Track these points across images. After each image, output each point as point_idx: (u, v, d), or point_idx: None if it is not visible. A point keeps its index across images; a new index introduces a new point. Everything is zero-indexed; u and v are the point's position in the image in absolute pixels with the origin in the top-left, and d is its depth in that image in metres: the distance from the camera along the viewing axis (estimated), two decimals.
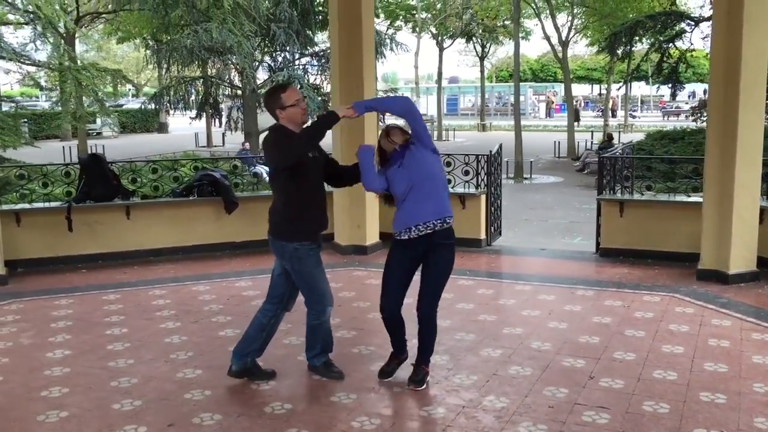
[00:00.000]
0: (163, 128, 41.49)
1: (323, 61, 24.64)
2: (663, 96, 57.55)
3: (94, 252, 8.03)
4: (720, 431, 3.88)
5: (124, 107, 43.23)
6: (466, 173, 8.65)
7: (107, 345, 5.41)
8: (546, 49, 48.68)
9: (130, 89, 54.43)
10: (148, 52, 28.02)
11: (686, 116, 44.80)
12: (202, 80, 24.72)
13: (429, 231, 4.36)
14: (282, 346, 5.33)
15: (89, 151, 26.43)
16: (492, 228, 8.80)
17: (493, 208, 8.81)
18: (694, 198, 7.76)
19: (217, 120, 32.99)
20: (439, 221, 4.36)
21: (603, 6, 25.87)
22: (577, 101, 43.58)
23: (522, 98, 53.35)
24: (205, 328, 5.79)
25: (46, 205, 8.02)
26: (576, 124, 30.40)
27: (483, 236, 8.57)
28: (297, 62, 24.58)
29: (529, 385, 4.53)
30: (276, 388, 4.57)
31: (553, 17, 25.72)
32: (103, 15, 26.99)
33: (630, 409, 4.18)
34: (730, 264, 6.78)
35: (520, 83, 23.92)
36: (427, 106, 48.41)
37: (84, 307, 6.41)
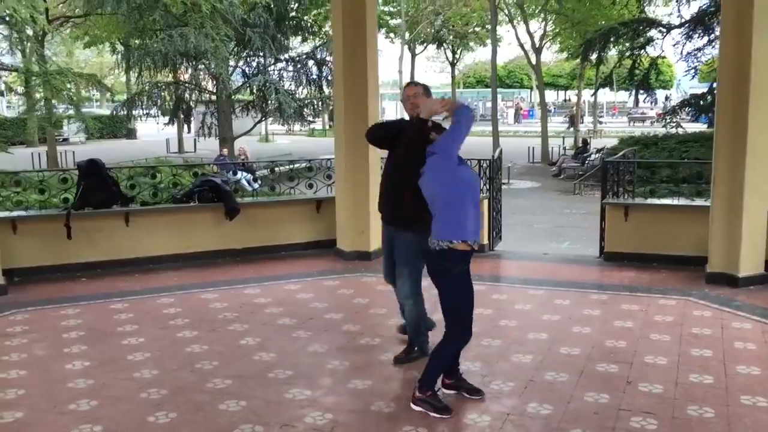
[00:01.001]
0: (131, 134, 40.85)
1: (298, 66, 24.53)
2: (615, 103, 58.55)
3: (93, 260, 7.80)
4: None
5: (91, 113, 42.45)
6: None
7: (127, 355, 5.24)
8: (512, 56, 49.31)
9: (94, 95, 53.53)
10: (117, 56, 27.58)
11: (651, 122, 45.67)
12: (175, 85, 24.41)
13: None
14: (308, 354, 5.22)
15: (58, 157, 25.96)
16: (494, 233, 8.80)
17: (494, 213, 8.81)
18: (699, 202, 7.84)
19: (187, 126, 32.65)
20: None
21: (575, 13, 26.20)
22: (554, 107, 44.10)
23: (490, 104, 54.04)
24: (225, 337, 5.65)
25: (43, 212, 7.79)
26: (571, 129, 30.65)
27: (486, 241, 8.55)
28: (272, 68, 24.41)
29: (569, 391, 4.50)
30: (312, 397, 4.47)
31: (527, 24, 25.95)
32: (72, 19, 26.51)
33: (675, 414, 4.17)
34: (740, 267, 6.85)
35: (488, 89, 24.18)
36: (396, 112, 48.41)
37: (93, 317, 6.22)
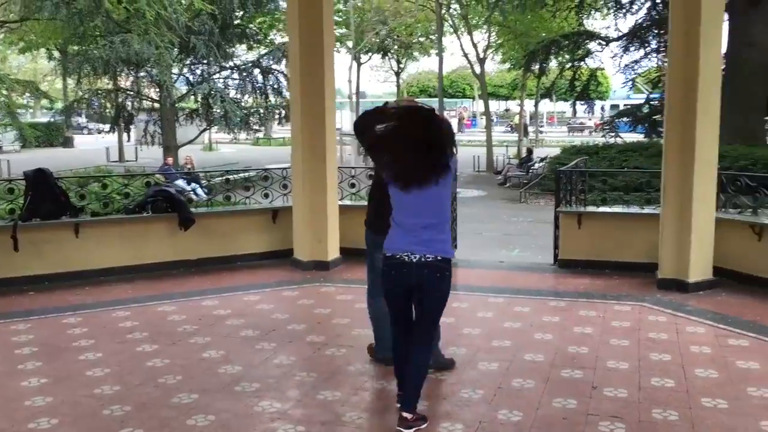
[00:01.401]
0: (68, 143, 39.76)
1: (244, 74, 24.31)
2: (554, 113, 59.93)
3: (40, 273, 7.54)
4: None
5: (24, 120, 41.14)
6: None
7: (85, 371, 5.08)
8: (455, 66, 49.86)
9: (27, 101, 51.92)
10: (53, 62, 26.84)
11: (590, 132, 46.80)
12: (115, 93, 23.89)
13: None
14: (275, 366, 5.17)
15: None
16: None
17: (452, 222, 8.87)
18: (648, 210, 8.06)
19: (127, 134, 31.98)
20: None
21: (518, 24, 26.73)
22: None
23: None
24: (187, 350, 5.53)
25: None
26: (525, 138, 31.09)
27: None
28: (217, 76, 24.14)
29: (537, 398, 4.56)
30: (282, 409, 4.41)
31: (471, 35, 26.32)
32: (7, 24, 25.68)
33: (642, 417, 4.26)
34: (690, 273, 7.07)
35: (432, 99, 24.43)
36: (341, 120, 48.41)
37: (45, 332, 6.02)
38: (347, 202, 8.97)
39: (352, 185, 9.01)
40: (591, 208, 8.34)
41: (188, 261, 8.23)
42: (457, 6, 26.01)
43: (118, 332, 6.00)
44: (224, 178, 10.28)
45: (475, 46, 26.25)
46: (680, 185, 7.06)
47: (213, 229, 8.43)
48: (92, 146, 35.15)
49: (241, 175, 10.30)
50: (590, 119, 46.60)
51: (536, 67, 23.51)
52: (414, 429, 4.03)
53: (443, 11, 23.35)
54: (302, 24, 7.88)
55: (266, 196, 8.90)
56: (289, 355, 5.40)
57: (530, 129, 41.41)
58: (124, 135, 31.34)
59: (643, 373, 4.97)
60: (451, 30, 28.26)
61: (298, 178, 8.12)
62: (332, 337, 5.84)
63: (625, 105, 41.63)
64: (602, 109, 50.63)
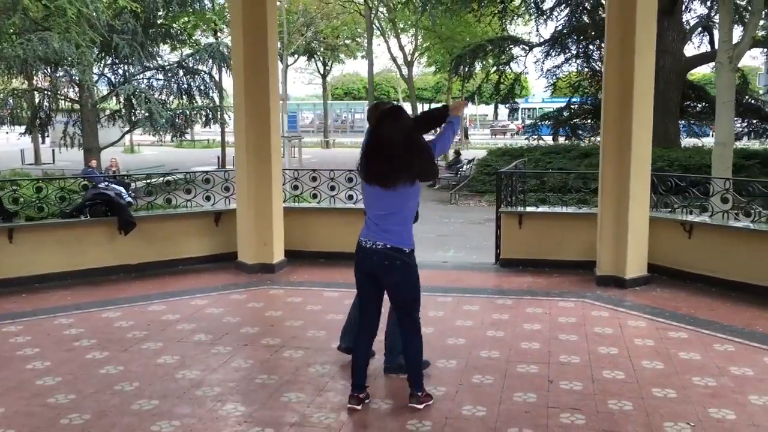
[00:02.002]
0: None
1: (169, 75, 23.82)
2: (475, 116, 61.12)
3: None
4: (687, 423, 4.23)
5: None
6: None
7: (35, 380, 4.91)
8: (379, 69, 50.20)
9: None
10: None
11: (512, 135, 47.95)
12: (32, 93, 23.00)
13: None
14: (234, 370, 5.12)
15: None
16: None
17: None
18: (585, 209, 8.36)
19: (43, 136, 30.75)
20: None
21: (443, 29, 27.15)
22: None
23: (359, 116, 54.59)
24: (140, 356, 5.41)
25: None
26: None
27: None
28: (141, 76, 23.55)
29: (498, 393, 4.68)
30: (247, 412, 4.39)
31: (398, 38, 26.57)
32: None
33: (599, 408, 4.44)
34: (627, 270, 7.38)
35: (357, 101, 24.56)
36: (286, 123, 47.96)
37: None
38: (291, 204, 8.93)
39: (295, 187, 8.98)
40: (531, 209, 8.57)
41: (129, 266, 8.04)
42: (384, 10, 26.20)
43: (64, 340, 5.81)
44: (146, 182, 10.00)
45: (402, 49, 26.51)
46: (617, 186, 7.36)
47: (154, 233, 8.25)
48: (3, 148, 33.66)
49: (168, 177, 10.06)
50: (513, 122, 47.74)
51: (463, 70, 23.96)
52: (424, 404, 4.40)
53: (372, 14, 23.48)
54: (246, 23, 7.81)
55: (208, 198, 8.77)
56: (246, 359, 5.36)
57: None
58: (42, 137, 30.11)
59: (594, 366, 5.17)
60: (378, 33, 28.45)
61: (243, 180, 8.04)
62: (288, 339, 5.82)
63: (540, 108, 42.96)
64: (518, 111, 51.91)
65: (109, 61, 23.20)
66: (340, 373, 5.02)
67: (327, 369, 5.14)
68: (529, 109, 55.67)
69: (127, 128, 24.05)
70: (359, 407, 4.40)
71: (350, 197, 8.83)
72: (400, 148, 4.15)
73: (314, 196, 8.96)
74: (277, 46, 8.31)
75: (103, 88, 23.60)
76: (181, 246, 8.37)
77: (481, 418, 4.30)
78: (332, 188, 8.78)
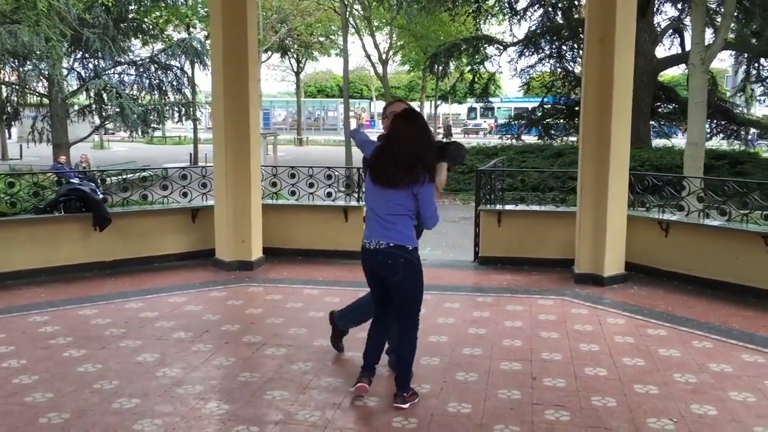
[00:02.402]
0: None
1: (141, 70, 23.51)
2: (449, 115, 61.28)
3: None
4: (670, 419, 4.27)
5: None
6: (347, 186, 8.74)
7: (11, 378, 4.80)
8: (353, 67, 50.07)
9: None
10: None
11: (484, 134, 48.14)
12: (0, 87, 22.54)
13: None
14: (215, 368, 5.05)
15: None
16: None
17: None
18: (563, 208, 8.41)
19: (10, 131, 30.23)
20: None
21: (418, 27, 27.17)
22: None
23: (332, 114, 54.47)
24: (118, 354, 5.32)
25: None
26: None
27: None
28: (112, 71, 23.21)
29: (482, 390, 4.68)
30: (231, 410, 4.34)
31: (373, 36, 26.55)
32: None
33: (583, 405, 4.46)
34: (605, 268, 7.43)
35: (330, 99, 24.54)
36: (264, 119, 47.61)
37: None
38: (269, 201, 8.86)
39: (274, 184, 8.90)
40: (510, 207, 8.60)
41: (104, 263, 7.90)
42: (359, 7, 26.17)
43: (39, 338, 5.69)
44: (122, 177, 9.83)
45: (377, 47, 26.49)
46: (596, 184, 7.41)
47: (130, 230, 8.13)
48: None
49: (144, 174, 9.91)
50: (485, 121, 47.94)
51: (438, 69, 24.02)
52: (408, 403, 4.38)
53: (347, 12, 23.42)
54: (226, 18, 7.72)
55: (185, 195, 8.66)
56: (228, 356, 5.30)
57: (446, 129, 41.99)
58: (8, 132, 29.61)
59: (576, 363, 5.20)
60: (353, 31, 28.40)
61: (221, 176, 7.95)
62: (269, 336, 5.77)
63: (515, 108, 43.21)
64: (493, 110, 52.12)
65: (79, 56, 22.83)
66: (323, 371, 5.00)
67: (310, 366, 5.10)
68: (501, 109, 56.04)
69: (97, 124, 23.68)
70: (368, 385, 4.50)
71: (329, 194, 8.80)
72: (410, 150, 4.16)
73: (293, 193, 8.89)
74: (257, 41, 8.21)
75: (73, 83, 23.22)
76: (158, 243, 8.26)
77: (466, 415, 4.30)
78: (311, 185, 8.73)
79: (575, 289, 7.31)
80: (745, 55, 22.21)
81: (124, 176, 8.98)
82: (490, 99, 26.64)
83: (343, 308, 5.33)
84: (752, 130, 24.16)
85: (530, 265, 8.20)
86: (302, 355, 5.32)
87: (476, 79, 25.29)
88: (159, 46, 25.29)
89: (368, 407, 4.41)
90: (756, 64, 22.58)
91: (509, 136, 25.78)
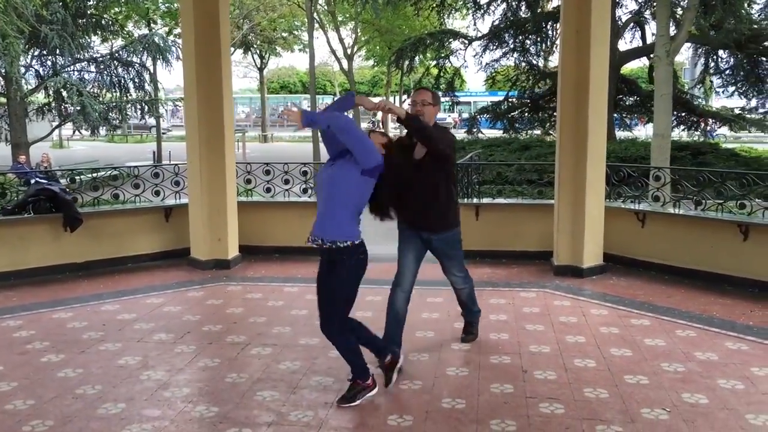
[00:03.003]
0: None
1: (102, 67, 23.02)
2: None
3: None
4: (663, 408, 4.29)
5: None
6: None
7: None
8: (316, 63, 49.84)
9: None
10: None
11: (450, 128, 48.14)
12: None
13: (315, 246, 4.26)
14: (200, 370, 4.94)
15: None
16: None
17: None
18: (540, 201, 8.43)
19: None
20: (319, 239, 4.22)
21: (382, 22, 27.08)
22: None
23: (296, 109, 53.86)
24: (99, 358, 5.17)
25: None
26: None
27: None
28: (71, 68, 22.67)
29: (474, 385, 4.65)
30: (222, 412, 4.23)
31: (338, 31, 26.38)
32: None
33: (576, 397, 4.46)
34: (584, 259, 7.47)
35: (293, 95, 24.38)
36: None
37: None
38: (243, 198, 8.73)
39: (248, 181, 8.77)
40: (487, 200, 8.59)
41: (75, 264, 7.71)
42: (323, 1, 25.98)
43: (15, 343, 5.51)
44: (92, 176, 9.57)
45: (342, 42, 26.34)
46: (573, 176, 7.45)
47: (101, 230, 7.93)
48: None
49: (115, 172, 9.68)
50: (450, 116, 47.97)
51: (404, 63, 23.95)
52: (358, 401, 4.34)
53: (311, 7, 23.22)
54: (197, 14, 7.56)
55: (157, 193, 8.48)
56: (212, 357, 5.19)
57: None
58: None
59: (564, 355, 5.20)
60: (317, 26, 28.23)
61: (195, 174, 7.80)
62: (253, 336, 5.66)
63: (476, 102, 43.40)
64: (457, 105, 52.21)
65: (37, 53, 22.25)
66: (312, 370, 4.92)
67: (298, 365, 5.02)
68: (467, 103, 56.21)
69: (57, 122, 23.14)
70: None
71: (305, 191, 8.69)
72: None
73: (268, 190, 8.76)
74: (230, 36, 8.06)
75: (31, 81, 22.63)
76: (131, 243, 8.08)
77: (462, 411, 4.26)
78: (286, 182, 8.62)
79: (555, 281, 7.33)
80: (704, 47, 22.56)
81: (94, 175, 8.69)
82: (456, 93, 26.65)
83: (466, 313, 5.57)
84: (711, 121, 24.60)
85: (509, 258, 8.21)
86: (289, 354, 5.24)
87: (441, 74, 25.29)
88: (119, 42, 24.78)
89: (361, 406, 4.34)
90: (714, 56, 22.95)
91: (475, 129, 25.83)
